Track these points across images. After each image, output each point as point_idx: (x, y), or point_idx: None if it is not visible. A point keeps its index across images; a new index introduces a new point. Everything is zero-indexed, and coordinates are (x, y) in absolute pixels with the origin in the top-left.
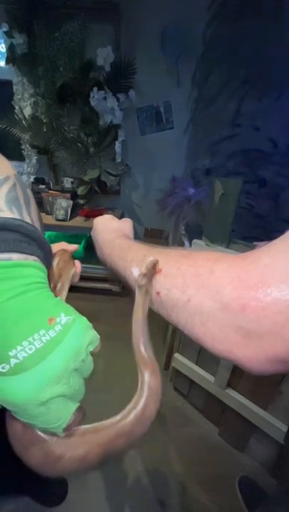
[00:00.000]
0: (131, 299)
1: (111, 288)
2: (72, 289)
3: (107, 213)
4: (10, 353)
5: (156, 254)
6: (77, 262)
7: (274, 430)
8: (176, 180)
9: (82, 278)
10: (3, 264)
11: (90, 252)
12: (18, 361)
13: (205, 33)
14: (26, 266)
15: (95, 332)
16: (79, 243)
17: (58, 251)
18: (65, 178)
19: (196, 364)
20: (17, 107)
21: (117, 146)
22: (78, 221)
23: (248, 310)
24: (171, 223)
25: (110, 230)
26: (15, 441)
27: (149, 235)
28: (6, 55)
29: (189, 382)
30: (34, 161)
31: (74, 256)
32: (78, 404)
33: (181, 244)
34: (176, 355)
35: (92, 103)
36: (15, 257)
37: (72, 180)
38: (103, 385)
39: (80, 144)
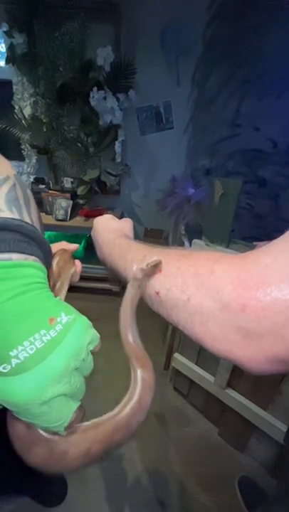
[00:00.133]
0: None
1: (111, 288)
2: (72, 289)
3: (106, 213)
4: (11, 353)
5: (156, 254)
6: (77, 262)
7: (274, 430)
8: (176, 180)
9: (82, 278)
10: (3, 265)
11: (90, 252)
12: (19, 361)
13: (205, 33)
14: (26, 266)
15: (95, 331)
16: (79, 243)
17: (58, 250)
18: (65, 178)
19: (195, 364)
20: (17, 107)
21: (117, 146)
22: (78, 221)
23: (248, 310)
24: (171, 223)
25: (110, 229)
26: (17, 442)
27: (149, 235)
28: (5, 54)
29: (189, 382)
30: (34, 160)
31: (74, 256)
32: (79, 403)
33: (181, 244)
34: (176, 355)
35: (92, 103)
36: (15, 257)
37: (72, 180)
38: (103, 385)
39: (79, 144)
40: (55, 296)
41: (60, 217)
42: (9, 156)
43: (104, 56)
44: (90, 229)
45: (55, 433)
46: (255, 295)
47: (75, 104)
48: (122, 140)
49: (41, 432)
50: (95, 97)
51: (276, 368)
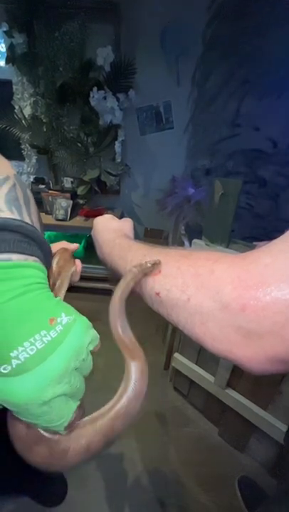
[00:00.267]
0: (131, 298)
1: (111, 288)
2: (72, 289)
3: (106, 213)
4: (11, 354)
5: (156, 254)
6: (77, 261)
7: (274, 430)
8: (176, 180)
9: (82, 278)
10: (3, 265)
11: (90, 252)
12: (19, 362)
13: (205, 33)
14: (26, 266)
15: (95, 331)
16: (79, 243)
17: (59, 249)
18: (65, 178)
19: (195, 364)
20: (17, 107)
21: (117, 146)
22: (78, 221)
23: (248, 310)
24: (171, 223)
25: (110, 229)
26: (18, 442)
27: (149, 234)
28: (5, 54)
29: (189, 382)
30: (34, 160)
31: (74, 256)
32: (79, 402)
33: (181, 244)
34: (176, 355)
35: (92, 103)
36: (15, 257)
37: (72, 180)
38: (103, 385)
39: (79, 144)
40: (55, 296)
41: (60, 217)
42: (9, 156)
43: (104, 56)
44: (90, 229)
45: (55, 432)
46: (255, 295)
47: (75, 104)
48: (122, 140)
49: (42, 431)
50: (95, 96)
51: (276, 367)
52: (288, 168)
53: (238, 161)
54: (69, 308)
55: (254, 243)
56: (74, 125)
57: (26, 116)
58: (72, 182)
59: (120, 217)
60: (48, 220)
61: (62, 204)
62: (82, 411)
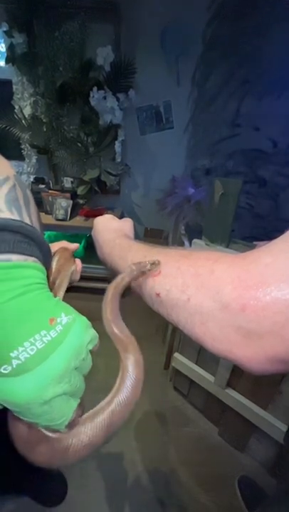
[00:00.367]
0: (131, 298)
1: None
2: (72, 289)
3: (106, 213)
4: (11, 354)
5: (156, 254)
6: (77, 260)
7: (274, 430)
8: (176, 180)
9: (83, 278)
10: (3, 266)
11: (90, 252)
12: (20, 362)
13: (205, 32)
14: (26, 267)
15: (94, 331)
16: (79, 243)
17: (59, 249)
18: (65, 178)
19: (195, 364)
20: (17, 107)
21: (117, 145)
22: (78, 221)
23: (247, 310)
24: (171, 223)
25: (111, 229)
26: (20, 442)
27: (149, 234)
28: (5, 54)
29: (189, 382)
30: (34, 160)
31: (74, 256)
32: (79, 401)
33: (181, 244)
34: (176, 354)
35: (92, 103)
36: (14, 258)
37: (72, 180)
38: (103, 384)
39: (79, 144)
40: (55, 294)
41: (60, 217)
42: (9, 156)
43: (104, 56)
44: (90, 229)
45: (56, 431)
46: (255, 295)
47: (75, 104)
48: (122, 140)
49: (43, 430)
50: (95, 96)
51: (276, 367)
52: (288, 168)
53: (238, 161)
54: (68, 308)
55: (254, 243)
56: (74, 125)
57: (26, 116)
58: (72, 182)
59: (120, 217)
60: (48, 220)
61: (63, 204)
62: (82, 409)
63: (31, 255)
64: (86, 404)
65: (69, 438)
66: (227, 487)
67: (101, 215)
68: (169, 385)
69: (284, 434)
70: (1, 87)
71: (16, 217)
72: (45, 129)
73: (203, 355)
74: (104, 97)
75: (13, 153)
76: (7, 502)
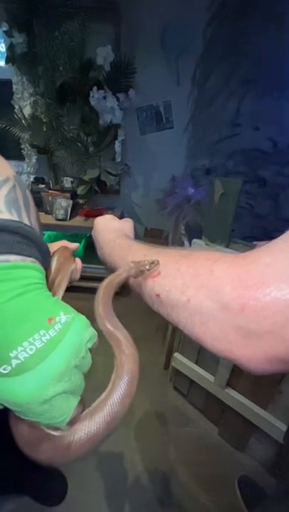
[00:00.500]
0: (131, 298)
1: None
2: (72, 288)
3: (106, 213)
4: (11, 354)
5: (156, 255)
6: (77, 259)
7: (273, 430)
8: (176, 180)
9: (83, 278)
10: (2, 266)
11: (90, 252)
12: (19, 362)
13: (205, 32)
14: (24, 267)
15: (93, 329)
16: (79, 243)
17: (59, 248)
18: (65, 178)
19: (195, 364)
20: (17, 107)
21: (117, 145)
22: (78, 221)
23: (247, 310)
24: (171, 223)
25: (111, 229)
26: (22, 441)
27: (149, 234)
28: (5, 54)
29: (189, 382)
30: (34, 160)
31: (74, 255)
32: (79, 398)
33: (181, 244)
34: (176, 354)
35: (92, 102)
36: (13, 258)
37: (72, 179)
38: (103, 384)
39: (79, 144)
40: (55, 293)
41: (60, 217)
42: (9, 156)
43: (104, 55)
44: (90, 229)
45: (57, 428)
46: (254, 295)
47: (74, 104)
48: (121, 140)
49: (44, 428)
50: (95, 96)
51: (276, 367)
52: (288, 168)
53: (238, 160)
54: (67, 307)
55: (254, 243)
56: (74, 125)
57: (26, 115)
58: (72, 182)
59: (120, 217)
60: (48, 219)
61: (62, 204)
62: (83, 406)
63: (30, 256)
64: (87, 402)
65: (70, 435)
66: (227, 487)
67: (101, 215)
68: (169, 384)
69: (284, 434)
70: (1, 87)
71: (15, 218)
72: (45, 129)
73: (203, 355)
74: (104, 97)
75: (13, 153)
76: (7, 502)
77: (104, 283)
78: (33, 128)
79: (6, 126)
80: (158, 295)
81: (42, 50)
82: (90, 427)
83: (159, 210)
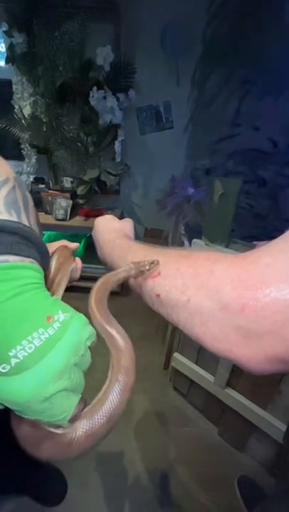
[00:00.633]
0: (131, 298)
1: None
2: (72, 288)
3: (106, 213)
4: (10, 353)
5: (156, 255)
6: (77, 259)
7: (273, 430)
8: (176, 180)
9: (83, 278)
10: (1, 266)
11: (90, 252)
12: (18, 360)
13: (205, 32)
14: (23, 268)
15: (92, 327)
16: (79, 243)
17: (59, 247)
18: (65, 178)
19: (195, 364)
20: (16, 107)
21: (117, 145)
22: (78, 221)
23: (247, 310)
24: (170, 223)
25: (111, 230)
26: (24, 440)
27: (149, 234)
28: (5, 54)
29: (189, 382)
30: (34, 160)
31: (74, 255)
32: (80, 396)
33: (181, 244)
34: (176, 354)
35: (92, 102)
36: (12, 259)
37: (71, 179)
38: (103, 383)
39: (79, 144)
40: (54, 292)
41: (59, 217)
42: (9, 156)
43: (104, 56)
44: (89, 229)
45: (59, 426)
46: (254, 295)
47: (74, 104)
48: (121, 140)
49: (45, 427)
50: (95, 96)
51: (276, 367)
52: (288, 168)
53: (238, 160)
54: (66, 306)
55: (254, 243)
56: (74, 125)
57: (26, 115)
58: (72, 182)
59: (120, 217)
60: (48, 219)
61: (62, 204)
62: (84, 403)
63: (28, 256)
64: (86, 401)
65: (72, 432)
66: (227, 487)
67: (101, 215)
68: (168, 384)
69: (283, 434)
70: (1, 87)
71: (14, 219)
72: (44, 129)
73: (203, 355)
74: (104, 97)
75: (13, 153)
76: (7, 502)
77: (101, 280)
78: (32, 128)
79: (5, 126)
80: (158, 295)
81: (42, 50)
82: (90, 423)
83: (159, 210)
